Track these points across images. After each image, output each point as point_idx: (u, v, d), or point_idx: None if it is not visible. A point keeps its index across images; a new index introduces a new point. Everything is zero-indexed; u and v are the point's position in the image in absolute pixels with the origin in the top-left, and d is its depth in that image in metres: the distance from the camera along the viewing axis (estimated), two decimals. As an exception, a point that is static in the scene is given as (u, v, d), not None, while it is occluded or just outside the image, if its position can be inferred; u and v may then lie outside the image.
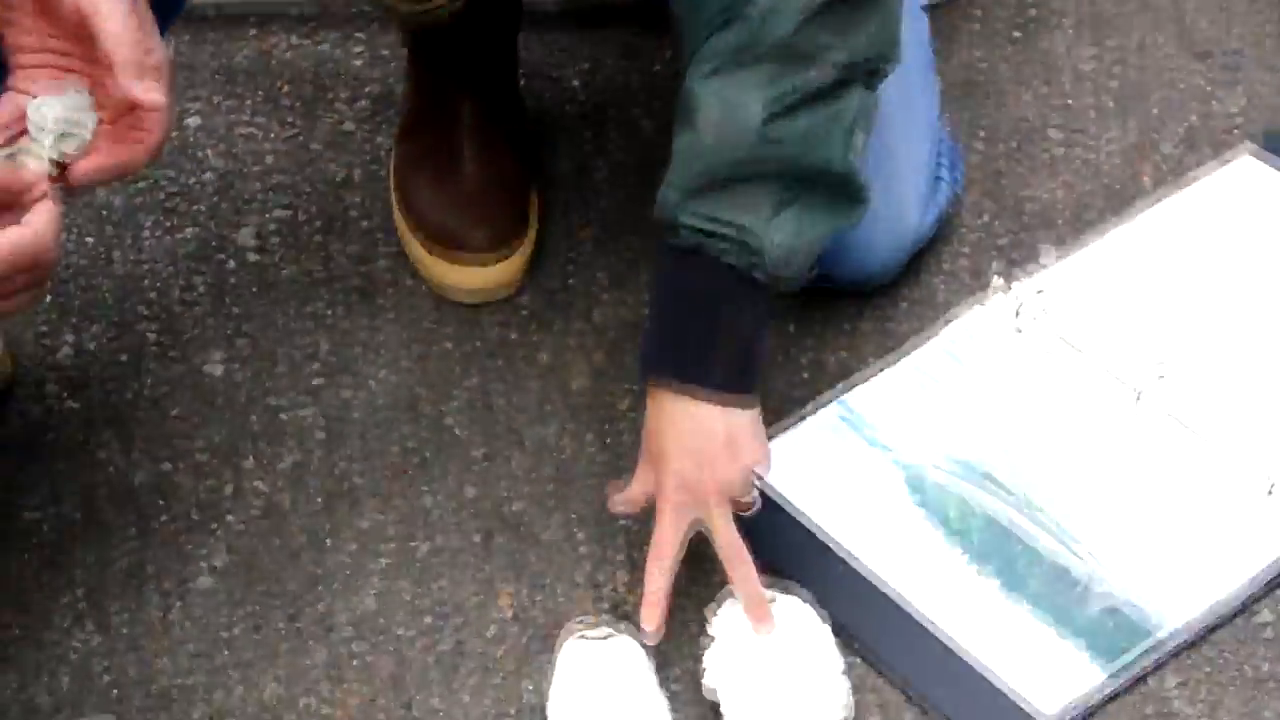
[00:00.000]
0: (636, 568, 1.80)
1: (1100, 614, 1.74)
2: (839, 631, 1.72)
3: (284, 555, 1.83)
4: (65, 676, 1.75)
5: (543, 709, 1.69)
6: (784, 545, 1.80)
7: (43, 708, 1.72)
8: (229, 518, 1.86)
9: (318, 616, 1.78)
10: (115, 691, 1.74)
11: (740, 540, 1.70)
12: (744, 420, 1.67)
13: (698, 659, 1.72)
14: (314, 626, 1.78)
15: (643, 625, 1.70)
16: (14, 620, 1.78)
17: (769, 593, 1.71)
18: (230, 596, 1.80)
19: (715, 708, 1.68)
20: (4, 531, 1.84)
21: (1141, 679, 1.70)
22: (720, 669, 1.68)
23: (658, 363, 1.67)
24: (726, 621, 1.71)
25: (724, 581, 1.75)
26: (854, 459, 1.87)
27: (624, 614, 1.76)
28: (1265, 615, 1.74)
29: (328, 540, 1.84)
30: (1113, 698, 1.69)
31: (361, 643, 1.77)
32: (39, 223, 1.37)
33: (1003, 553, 1.79)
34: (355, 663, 1.76)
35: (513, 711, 1.71)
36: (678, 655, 1.74)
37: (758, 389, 1.68)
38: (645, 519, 1.75)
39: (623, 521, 1.83)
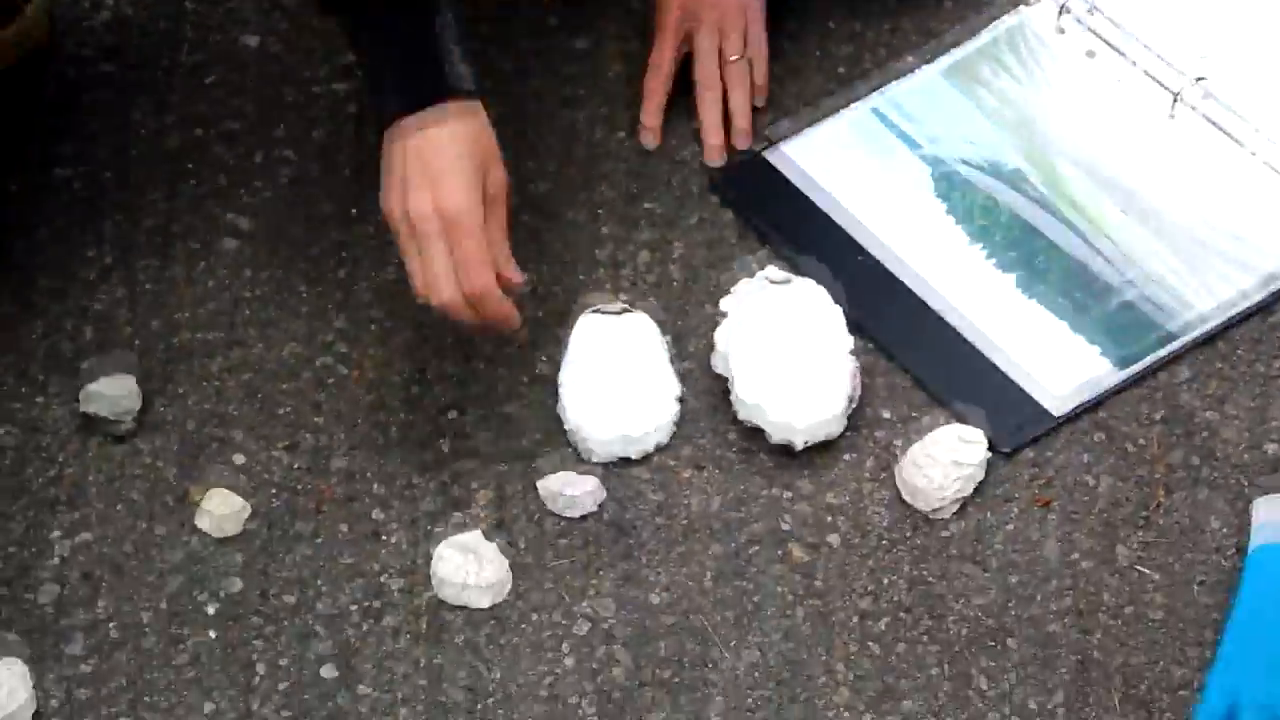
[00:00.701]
0: (657, 249, 1.80)
1: (1117, 310, 1.73)
2: (854, 320, 1.72)
3: (310, 224, 1.84)
4: (89, 328, 1.77)
5: (554, 380, 1.70)
6: (805, 230, 1.80)
7: (65, 353, 1.75)
8: (257, 184, 1.87)
9: (339, 283, 1.79)
10: (138, 343, 1.76)
11: (717, 73, 1.81)
12: None
13: (710, 338, 1.72)
14: (335, 292, 1.79)
15: (643, 121, 1.80)
16: (41, 273, 1.80)
17: (783, 274, 1.71)
18: (254, 259, 1.82)
19: (725, 383, 1.68)
20: (37, 188, 1.85)
21: (1152, 373, 1.69)
22: (730, 346, 1.68)
23: None
24: (739, 300, 1.71)
25: (738, 270, 1.75)
26: (883, 153, 1.86)
27: (641, 293, 1.77)
28: (1283, 315, 1.74)
29: (353, 211, 1.85)
30: (1121, 389, 1.68)
31: (380, 310, 1.78)
32: None
33: (1024, 249, 1.78)
34: (373, 328, 1.77)
35: (525, 380, 1.72)
36: (691, 334, 1.74)
37: None
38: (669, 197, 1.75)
39: (648, 204, 1.82)
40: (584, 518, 1.63)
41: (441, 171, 1.52)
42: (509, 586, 1.59)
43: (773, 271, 1.72)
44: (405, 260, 1.56)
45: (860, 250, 1.78)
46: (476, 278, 1.54)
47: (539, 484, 1.63)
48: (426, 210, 1.53)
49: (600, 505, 1.63)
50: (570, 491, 1.62)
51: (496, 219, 1.57)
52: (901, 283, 1.76)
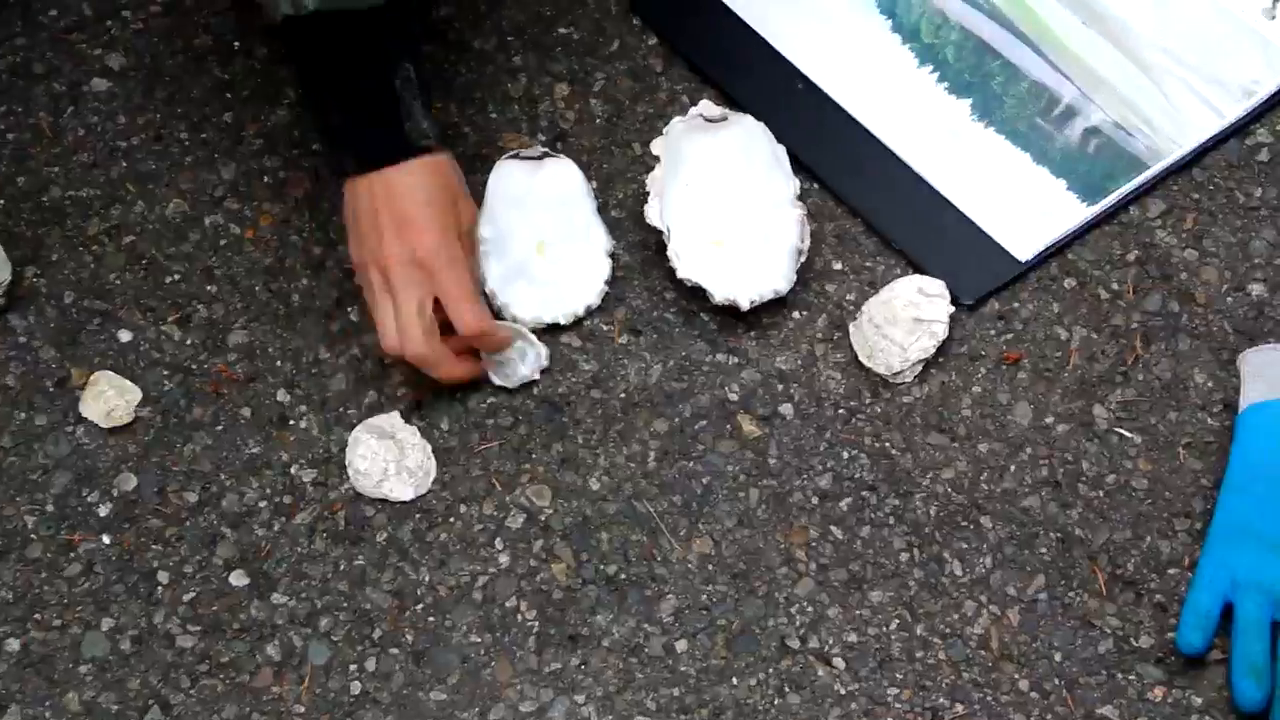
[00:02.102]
0: (576, 81, 1.63)
1: (1082, 137, 1.59)
2: (797, 161, 1.56)
3: (188, 58, 1.65)
4: (-54, 184, 1.58)
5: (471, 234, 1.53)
6: (737, 55, 1.64)
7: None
8: (125, 13, 1.68)
9: (225, 128, 1.61)
10: (1, 202, 1.57)
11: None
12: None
13: (641, 184, 1.55)
14: (221, 139, 1.61)
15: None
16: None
17: (721, 110, 1.54)
18: (128, 102, 1.63)
19: (659, 236, 1.52)
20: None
21: (1123, 207, 1.55)
22: (665, 194, 1.52)
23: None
24: (671, 141, 1.54)
25: (668, 101, 1.58)
26: (820, -36, 1.68)
27: (560, 133, 1.60)
28: (1262, 136, 1.59)
29: (236, 44, 1.67)
30: (1090, 228, 1.54)
31: (275, 158, 1.60)
32: None
33: (979, 71, 1.62)
34: (267, 180, 1.59)
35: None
36: (619, 178, 1.58)
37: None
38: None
39: (564, 29, 1.65)
40: (512, 392, 1.47)
41: (413, 217, 1.40)
42: (433, 475, 1.44)
43: (707, 107, 1.55)
44: (375, 313, 1.42)
45: (799, 77, 1.62)
46: (470, 315, 1.42)
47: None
48: (403, 255, 1.40)
49: (541, 373, 1.47)
50: (508, 355, 1.46)
51: (469, 258, 1.45)
52: (845, 113, 1.60)
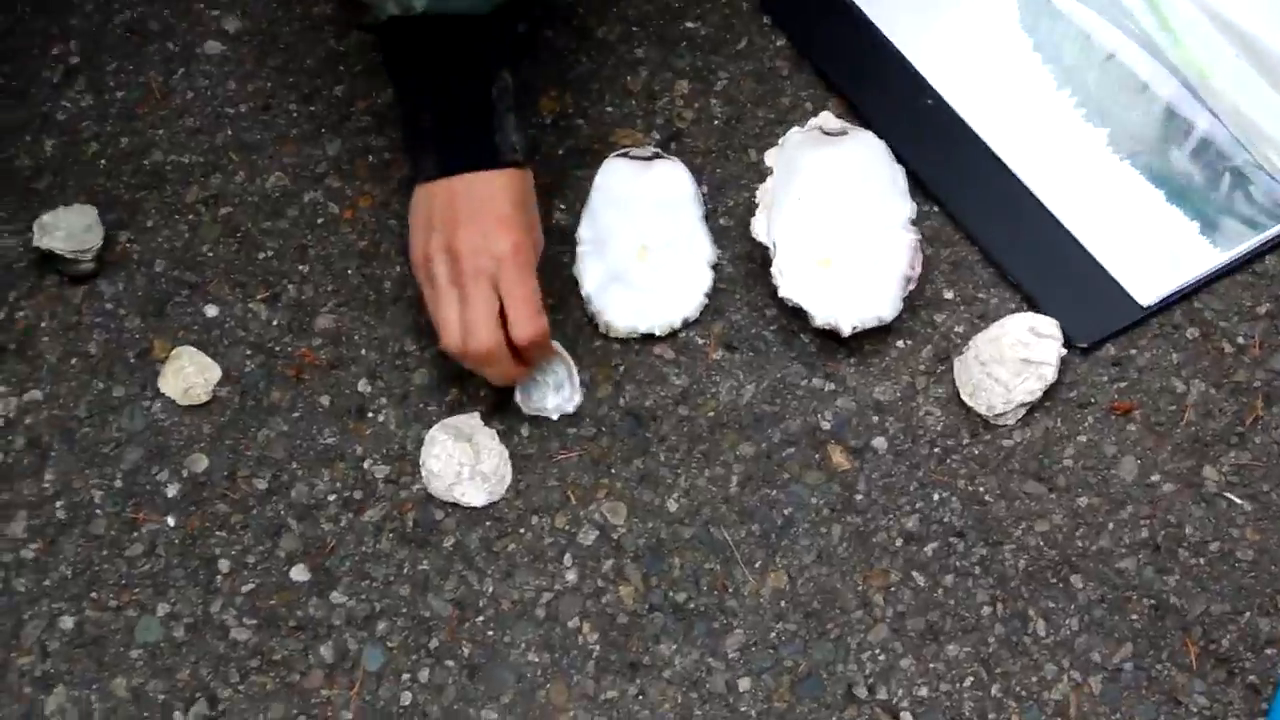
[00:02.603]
0: (698, 79, 1.57)
1: (1221, 179, 1.50)
2: (917, 178, 1.49)
3: (304, 26, 1.61)
4: (49, 140, 1.56)
5: (572, 233, 1.48)
6: (868, 65, 1.57)
7: (22, 170, 1.54)
8: (247, -24, 1.64)
9: (334, 102, 1.57)
10: (103, 163, 1.55)
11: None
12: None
13: (753, 191, 1.50)
14: (330, 113, 1.57)
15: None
16: (-2, 71, 1.58)
17: (841, 123, 1.48)
18: (240, 68, 1.60)
19: (765, 251, 1.46)
20: (-3, -31, 1.62)
21: (1259, 257, 1.47)
22: (773, 208, 1.46)
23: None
24: (786, 154, 1.48)
25: (790, 107, 1.52)
26: (963, -27, 1.61)
27: (676, 132, 1.54)
28: None
29: (356, 13, 1.61)
30: (1221, 275, 1.46)
31: (381, 138, 1.56)
32: None
33: (1121, 98, 1.54)
34: (372, 159, 1.56)
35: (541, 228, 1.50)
36: (731, 184, 1.53)
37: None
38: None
39: (691, 23, 1.59)
40: (597, 401, 1.42)
41: (497, 214, 1.35)
42: (508, 481, 1.39)
43: (827, 120, 1.49)
44: (437, 307, 1.36)
45: (930, 92, 1.55)
46: (533, 319, 1.36)
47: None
48: (479, 247, 1.34)
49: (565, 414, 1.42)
50: (543, 378, 1.41)
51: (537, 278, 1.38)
52: (974, 134, 1.53)
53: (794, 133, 1.49)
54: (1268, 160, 1.50)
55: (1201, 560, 1.36)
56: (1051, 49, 1.58)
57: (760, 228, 1.46)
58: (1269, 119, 1.52)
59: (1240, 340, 1.45)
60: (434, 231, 1.35)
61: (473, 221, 1.34)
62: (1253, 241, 1.48)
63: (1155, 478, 1.40)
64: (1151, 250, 1.47)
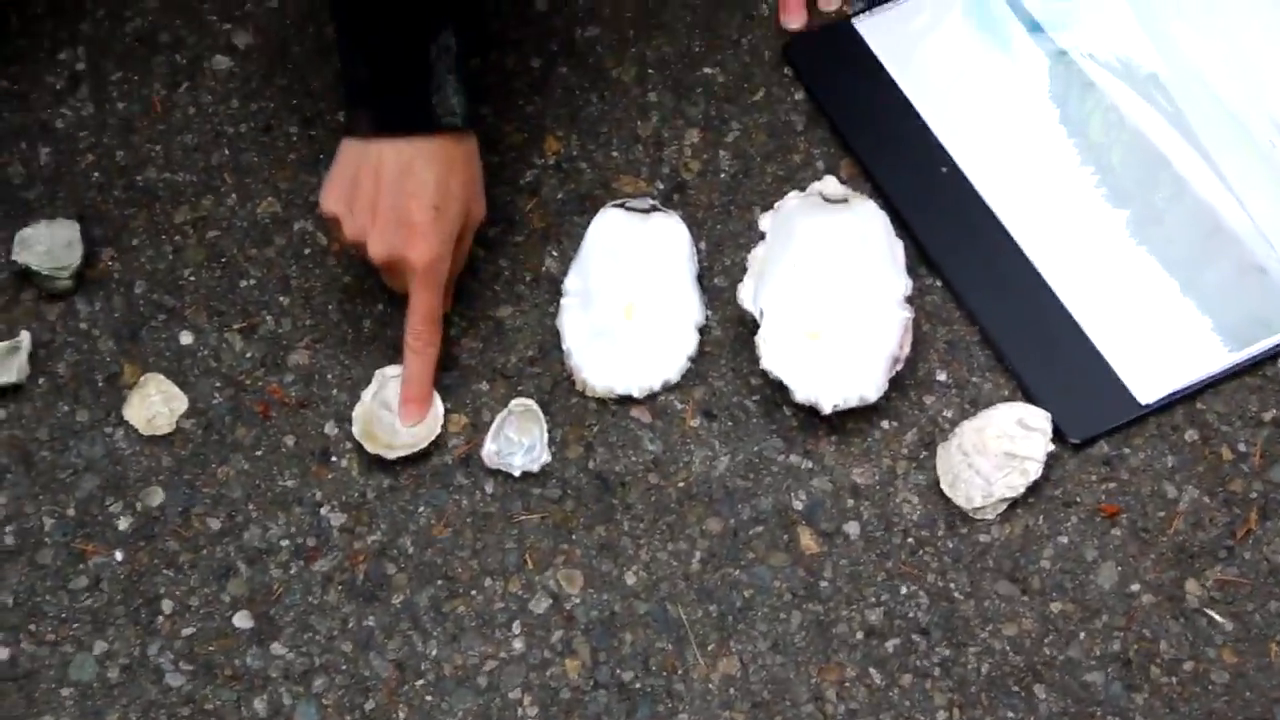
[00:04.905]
0: (710, 128, 1.52)
1: (1245, 273, 1.44)
2: (923, 254, 1.44)
3: (315, 48, 1.58)
4: (45, 148, 1.53)
5: (560, 282, 1.44)
6: (885, 124, 1.51)
7: (14, 178, 1.51)
8: (263, -9, 1.61)
9: (335, 128, 1.54)
10: (96, 175, 1.52)
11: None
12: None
13: (746, 254, 1.45)
14: (331, 140, 1.53)
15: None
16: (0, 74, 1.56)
17: (844, 190, 1.43)
18: (245, 85, 1.56)
19: (752, 317, 1.41)
20: (12, -32, 1.60)
21: (1270, 359, 1.41)
22: (763, 275, 1.41)
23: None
24: (782, 219, 1.43)
25: (801, 165, 1.47)
26: (997, 34, 1.57)
27: (680, 184, 1.49)
28: None
29: (368, 36, 1.57)
30: (1229, 377, 1.40)
31: (378, 166, 1.51)
32: None
33: (1146, 179, 1.47)
34: (366, 188, 1.50)
35: (528, 278, 1.47)
36: (730, 243, 1.48)
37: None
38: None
39: (709, 69, 1.54)
40: (566, 461, 1.38)
41: (416, 222, 1.33)
42: (440, 419, 1.36)
43: (829, 185, 1.44)
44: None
45: (946, 159, 1.49)
46: (420, 340, 1.38)
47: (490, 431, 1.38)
48: (390, 244, 1.35)
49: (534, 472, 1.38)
50: (506, 451, 1.37)
51: (455, 265, 1.39)
52: (987, 207, 1.48)
53: (791, 197, 1.44)
54: (1294, 259, 1.44)
55: (1174, 679, 1.31)
56: (1078, 123, 1.52)
57: (746, 294, 1.41)
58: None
59: (1241, 447, 1.38)
60: (350, 212, 1.34)
61: (391, 222, 1.33)
62: (1266, 343, 1.42)
63: (1135, 587, 1.34)
64: (1158, 345, 1.41)
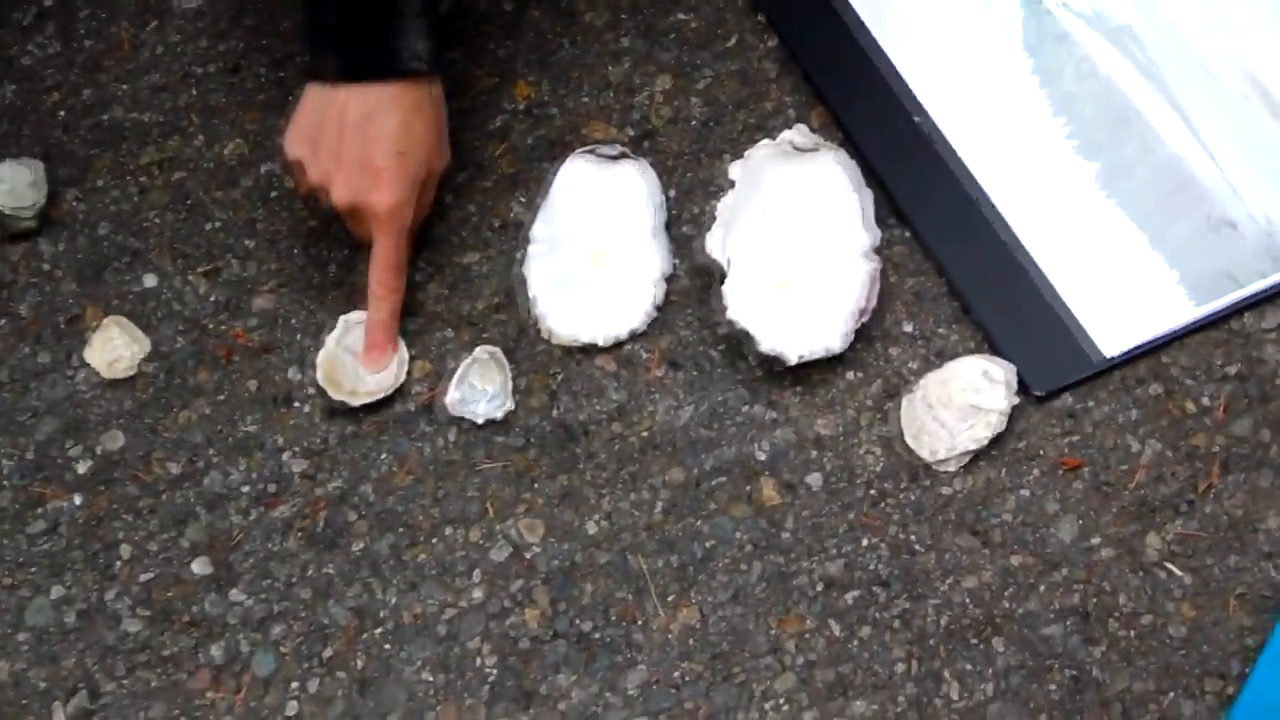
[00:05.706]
0: (682, 74, 1.51)
1: (1214, 227, 1.43)
2: (892, 204, 1.43)
3: (286, -13, 1.56)
4: (10, 85, 1.53)
5: (526, 229, 1.43)
6: (857, 75, 1.51)
7: (-22, 121, 1.50)
8: (232, -70, 1.59)
9: (304, 69, 1.52)
10: (61, 114, 1.51)
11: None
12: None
13: (714, 203, 1.44)
14: (298, 81, 1.52)
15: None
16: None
17: (814, 139, 1.42)
18: (214, 25, 1.55)
19: (720, 267, 1.40)
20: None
21: (1236, 314, 1.40)
22: (730, 225, 1.40)
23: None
24: (751, 168, 1.42)
25: (772, 113, 1.46)
26: (968, -16, 1.54)
27: (650, 130, 1.48)
28: None
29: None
30: (1193, 331, 1.39)
31: (345, 109, 1.50)
32: None
33: (1117, 131, 1.46)
34: (333, 131, 1.49)
35: (495, 224, 1.47)
36: (699, 190, 1.47)
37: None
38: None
39: (682, 15, 1.53)
40: (530, 409, 1.38)
41: (380, 169, 1.33)
42: (405, 365, 1.37)
43: (799, 134, 1.43)
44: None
45: (918, 109, 1.48)
46: (383, 287, 1.38)
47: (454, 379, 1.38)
48: (355, 186, 1.35)
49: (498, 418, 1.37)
50: (470, 399, 1.37)
51: (419, 211, 1.39)
52: (958, 157, 1.47)
53: (762, 145, 1.43)
54: (1265, 215, 1.43)
55: (1131, 633, 1.31)
56: (1051, 73, 1.51)
57: (714, 244, 1.40)
58: (1270, 168, 1.45)
59: (1205, 401, 1.38)
60: (315, 156, 1.33)
61: (355, 168, 1.33)
62: (1232, 297, 1.41)
63: (1095, 540, 1.34)
64: (1125, 298, 1.41)
